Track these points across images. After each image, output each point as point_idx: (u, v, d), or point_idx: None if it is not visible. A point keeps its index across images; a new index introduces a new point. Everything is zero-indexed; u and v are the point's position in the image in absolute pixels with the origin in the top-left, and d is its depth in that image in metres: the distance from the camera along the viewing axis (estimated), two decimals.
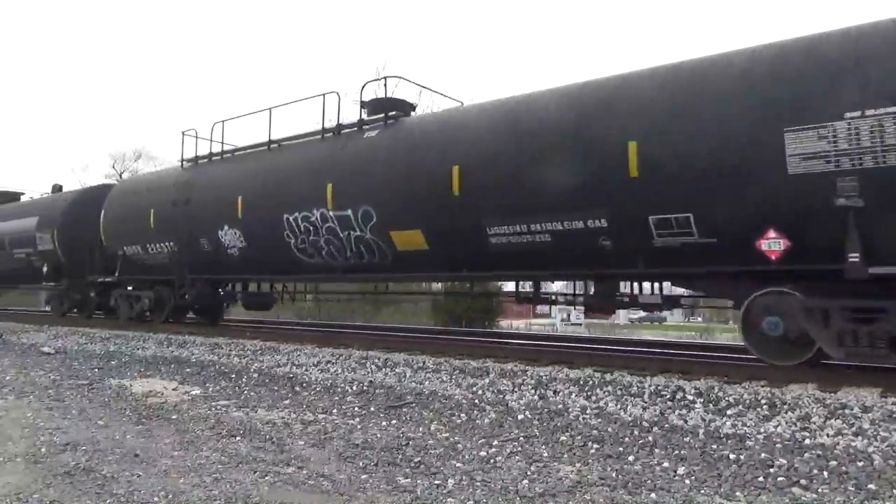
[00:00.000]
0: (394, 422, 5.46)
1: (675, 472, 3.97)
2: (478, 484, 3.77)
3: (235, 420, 5.50)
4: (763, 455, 4.16)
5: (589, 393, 5.90)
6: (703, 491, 3.66)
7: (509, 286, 12.18)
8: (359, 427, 5.25)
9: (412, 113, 10.39)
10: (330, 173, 9.52)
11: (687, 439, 4.61)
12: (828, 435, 4.42)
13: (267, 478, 3.91)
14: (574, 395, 5.89)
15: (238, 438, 4.89)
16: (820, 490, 3.61)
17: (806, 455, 4.12)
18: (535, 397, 5.92)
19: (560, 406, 5.60)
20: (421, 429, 5.18)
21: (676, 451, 4.37)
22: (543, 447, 4.59)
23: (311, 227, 9.74)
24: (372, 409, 5.96)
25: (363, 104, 10.25)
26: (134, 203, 13.40)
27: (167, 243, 12.57)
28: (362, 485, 3.77)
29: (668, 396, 5.59)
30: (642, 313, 40.67)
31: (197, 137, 12.63)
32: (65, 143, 78.94)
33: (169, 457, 4.36)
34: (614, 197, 6.90)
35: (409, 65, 63.44)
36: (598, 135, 7.02)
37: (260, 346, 9.71)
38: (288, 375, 7.62)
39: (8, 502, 3.44)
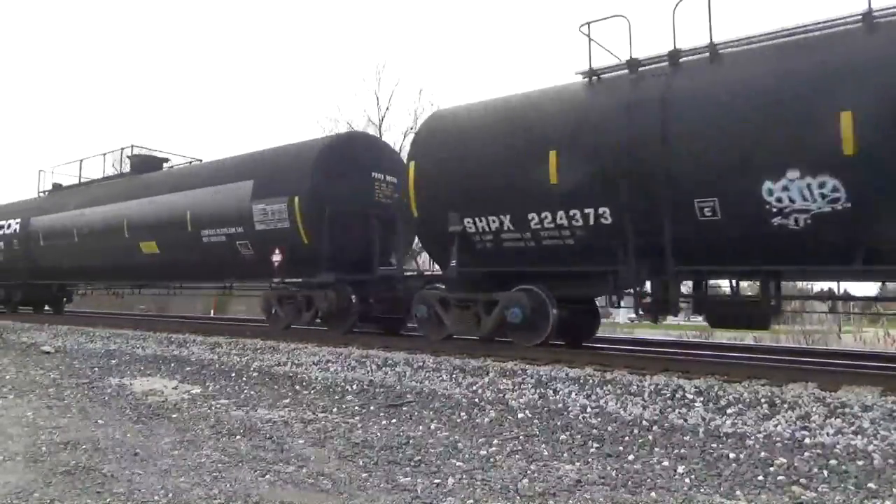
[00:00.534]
0: (394, 421, 5.46)
1: (675, 470, 3.97)
2: (478, 483, 3.77)
3: (235, 419, 5.50)
4: (763, 454, 4.17)
5: (589, 392, 5.90)
6: (702, 490, 3.66)
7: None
8: (359, 426, 5.25)
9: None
10: None
11: (687, 438, 4.61)
12: (828, 434, 4.42)
13: (267, 476, 3.91)
14: (574, 394, 5.89)
15: (238, 437, 4.89)
16: (820, 489, 3.62)
17: (806, 454, 4.13)
18: (535, 396, 5.92)
19: (560, 405, 5.60)
20: (421, 428, 5.19)
21: (676, 450, 4.37)
22: (543, 446, 4.59)
23: None
24: (372, 407, 5.96)
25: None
26: (507, 141, 8.07)
27: (593, 210, 7.28)
28: (362, 483, 3.77)
29: (667, 395, 5.59)
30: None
31: None
32: (64, 143, 78.99)
33: (169, 455, 4.36)
34: None
35: (409, 65, 63.43)
36: None
37: (260, 344, 9.71)
38: (288, 374, 7.62)
39: (8, 501, 3.44)
